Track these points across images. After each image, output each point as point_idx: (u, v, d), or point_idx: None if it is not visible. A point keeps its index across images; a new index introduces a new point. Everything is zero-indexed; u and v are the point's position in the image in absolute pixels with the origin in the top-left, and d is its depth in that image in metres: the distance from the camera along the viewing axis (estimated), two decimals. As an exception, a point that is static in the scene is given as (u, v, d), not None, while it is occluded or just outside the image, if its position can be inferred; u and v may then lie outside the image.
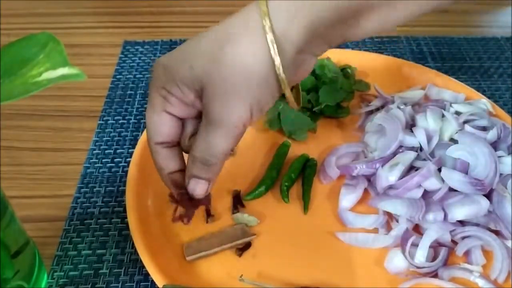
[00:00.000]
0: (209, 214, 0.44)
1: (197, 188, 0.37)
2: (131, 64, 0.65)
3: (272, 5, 0.32)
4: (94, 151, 0.53)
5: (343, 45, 0.66)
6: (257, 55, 0.32)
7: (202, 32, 0.35)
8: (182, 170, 0.38)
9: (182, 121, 0.37)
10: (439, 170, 0.44)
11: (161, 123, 0.36)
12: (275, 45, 0.32)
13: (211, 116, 0.34)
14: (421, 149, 0.47)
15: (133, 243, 0.41)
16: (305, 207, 0.46)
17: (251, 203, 0.46)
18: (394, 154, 0.46)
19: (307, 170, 0.49)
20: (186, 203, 0.39)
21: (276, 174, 0.48)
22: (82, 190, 0.48)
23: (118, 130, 0.55)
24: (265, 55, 0.32)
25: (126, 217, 0.42)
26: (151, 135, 0.37)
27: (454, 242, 0.43)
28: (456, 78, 0.60)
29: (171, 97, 0.35)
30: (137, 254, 0.40)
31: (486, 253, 0.42)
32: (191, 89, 0.34)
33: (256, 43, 0.32)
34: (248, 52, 0.32)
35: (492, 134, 0.46)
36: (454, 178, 0.43)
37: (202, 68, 0.33)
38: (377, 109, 0.55)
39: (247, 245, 0.43)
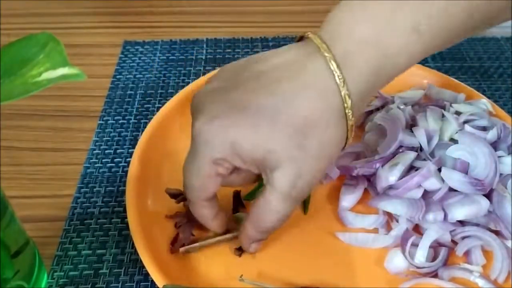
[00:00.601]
0: None
1: (257, 247, 0.41)
2: (131, 64, 0.65)
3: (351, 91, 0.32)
4: (94, 151, 0.53)
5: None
6: (337, 142, 0.34)
7: (271, 103, 0.32)
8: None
9: None
10: (439, 170, 0.44)
11: (215, 185, 0.36)
12: (351, 129, 0.34)
13: (285, 192, 0.34)
14: (421, 149, 0.47)
15: (133, 243, 0.41)
16: (305, 207, 0.46)
17: (251, 203, 0.46)
18: (394, 154, 0.46)
19: None
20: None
21: None
22: (82, 190, 0.48)
23: (118, 130, 0.55)
24: (342, 141, 0.34)
25: (126, 217, 0.42)
26: (201, 195, 0.37)
27: (454, 242, 0.43)
28: (456, 78, 0.60)
29: (230, 166, 0.35)
30: (137, 254, 0.40)
31: (486, 253, 0.42)
32: (257, 166, 0.34)
33: (338, 131, 0.33)
34: (332, 142, 0.34)
35: (492, 134, 0.46)
36: (454, 178, 0.43)
37: (283, 155, 0.33)
38: (377, 109, 0.55)
39: None
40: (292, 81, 0.32)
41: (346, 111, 0.32)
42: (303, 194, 0.35)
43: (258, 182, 0.47)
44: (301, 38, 0.35)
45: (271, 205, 0.35)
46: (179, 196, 0.45)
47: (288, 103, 0.32)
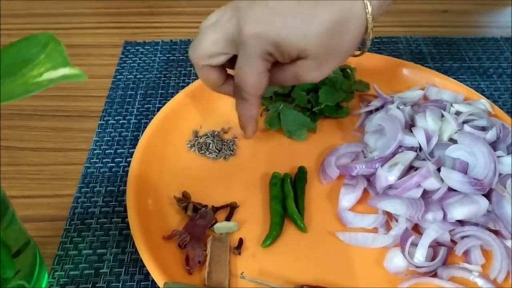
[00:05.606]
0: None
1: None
2: (131, 65, 0.65)
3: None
4: (95, 151, 0.53)
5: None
6: (356, 42, 0.41)
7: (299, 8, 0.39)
8: None
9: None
10: (439, 170, 0.44)
11: (265, 79, 0.42)
12: (370, 32, 0.41)
13: (302, 77, 0.42)
14: (420, 149, 0.47)
15: (133, 243, 0.41)
16: (301, 222, 0.46)
17: (250, 204, 0.46)
18: (394, 154, 0.46)
19: (297, 182, 0.48)
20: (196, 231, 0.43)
21: (281, 207, 0.45)
22: (82, 190, 0.49)
23: (118, 130, 0.55)
24: (359, 41, 0.42)
25: (127, 217, 0.43)
26: (256, 91, 0.43)
27: (454, 242, 0.43)
28: (455, 78, 0.60)
29: (272, 59, 0.41)
30: (138, 254, 0.40)
31: (486, 252, 0.42)
32: (291, 60, 0.42)
33: (359, 33, 0.40)
34: (355, 40, 0.41)
35: (491, 134, 0.46)
36: (454, 178, 0.43)
37: (316, 50, 0.40)
38: (377, 109, 0.55)
39: (240, 242, 0.43)
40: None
41: (368, 16, 0.40)
42: (311, 78, 0.43)
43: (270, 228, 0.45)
44: None
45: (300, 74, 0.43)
46: (185, 201, 0.45)
47: (320, 10, 0.39)
